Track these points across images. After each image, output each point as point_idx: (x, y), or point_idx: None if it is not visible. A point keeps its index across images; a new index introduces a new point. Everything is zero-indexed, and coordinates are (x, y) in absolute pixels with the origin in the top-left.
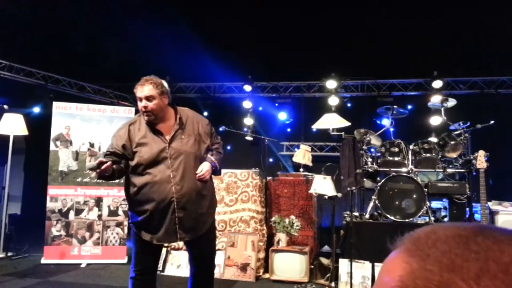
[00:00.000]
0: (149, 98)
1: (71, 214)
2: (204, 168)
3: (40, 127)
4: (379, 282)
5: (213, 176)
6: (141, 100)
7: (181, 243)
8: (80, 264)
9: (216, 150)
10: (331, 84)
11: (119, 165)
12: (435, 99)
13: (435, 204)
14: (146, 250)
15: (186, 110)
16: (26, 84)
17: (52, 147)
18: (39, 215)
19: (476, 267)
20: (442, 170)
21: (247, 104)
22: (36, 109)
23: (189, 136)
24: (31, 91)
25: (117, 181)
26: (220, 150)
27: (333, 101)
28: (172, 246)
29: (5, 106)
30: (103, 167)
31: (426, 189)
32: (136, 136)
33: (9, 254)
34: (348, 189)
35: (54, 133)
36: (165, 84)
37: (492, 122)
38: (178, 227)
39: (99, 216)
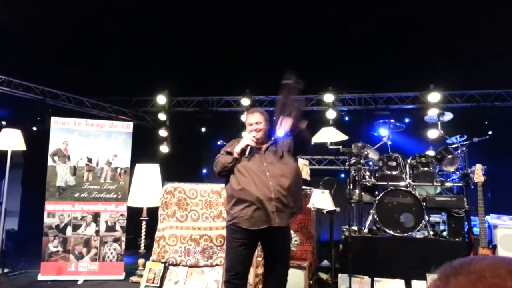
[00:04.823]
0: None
1: (68, 230)
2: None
3: (38, 142)
4: None
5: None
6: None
7: (179, 259)
8: (77, 280)
9: None
10: (328, 97)
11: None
12: (431, 113)
13: (434, 218)
14: (240, 254)
15: None
16: (24, 99)
17: (50, 162)
18: (36, 230)
19: None
20: (440, 184)
21: (245, 118)
22: (35, 125)
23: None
24: (30, 106)
25: (114, 196)
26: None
27: (331, 114)
28: (170, 262)
29: (3, 122)
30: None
31: (424, 203)
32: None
33: (6, 270)
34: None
35: (52, 148)
36: None
37: (489, 135)
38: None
39: (97, 232)
